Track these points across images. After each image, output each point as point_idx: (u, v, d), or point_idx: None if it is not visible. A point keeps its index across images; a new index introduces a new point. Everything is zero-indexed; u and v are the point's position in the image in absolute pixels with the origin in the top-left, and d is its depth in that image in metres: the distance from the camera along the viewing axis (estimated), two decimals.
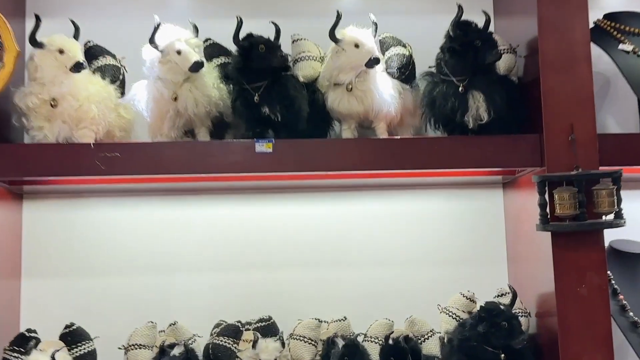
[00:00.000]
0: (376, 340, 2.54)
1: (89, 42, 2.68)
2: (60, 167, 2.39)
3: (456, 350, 2.42)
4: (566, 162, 2.42)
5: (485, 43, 2.47)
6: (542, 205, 2.41)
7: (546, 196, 2.40)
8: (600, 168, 2.41)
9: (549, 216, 2.40)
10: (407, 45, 2.73)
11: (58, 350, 2.34)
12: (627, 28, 2.75)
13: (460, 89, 2.50)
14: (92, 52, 2.66)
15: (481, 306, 2.40)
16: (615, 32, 2.75)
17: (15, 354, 2.37)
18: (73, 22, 2.54)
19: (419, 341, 2.56)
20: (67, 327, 2.47)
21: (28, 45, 2.43)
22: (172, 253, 2.84)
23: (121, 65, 2.69)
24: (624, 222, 2.41)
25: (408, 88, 2.69)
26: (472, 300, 2.61)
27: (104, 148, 2.38)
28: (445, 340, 2.56)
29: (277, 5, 2.79)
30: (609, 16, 2.79)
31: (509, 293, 2.59)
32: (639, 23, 2.77)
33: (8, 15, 2.41)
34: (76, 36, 2.51)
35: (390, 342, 2.45)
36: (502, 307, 2.39)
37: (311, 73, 2.60)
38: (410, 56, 2.71)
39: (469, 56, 2.47)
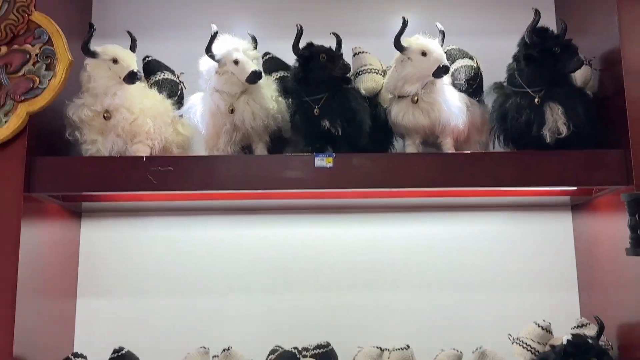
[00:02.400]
0: None
1: (148, 57, 2.25)
2: (112, 181, 1.94)
3: None
4: None
5: (564, 50, 1.95)
6: (634, 227, 1.82)
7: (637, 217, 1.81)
8: None
9: None
10: (474, 57, 2.21)
11: None
12: None
13: (536, 100, 1.97)
14: (150, 67, 2.24)
15: (568, 340, 1.80)
16: None
17: None
18: (130, 34, 2.10)
19: None
20: (115, 351, 2.00)
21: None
22: (227, 274, 2.32)
23: (179, 80, 2.26)
24: None
25: (475, 102, 2.19)
26: (549, 331, 2.02)
27: (157, 162, 1.93)
28: None
29: (335, 26, 2.17)
30: None
31: (589, 324, 2.01)
32: None
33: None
34: (132, 48, 2.08)
35: None
36: (590, 341, 1.78)
37: (373, 86, 2.12)
38: (478, 68, 2.21)
39: (547, 64, 1.96)
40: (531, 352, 1.96)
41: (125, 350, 1.98)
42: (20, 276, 1.79)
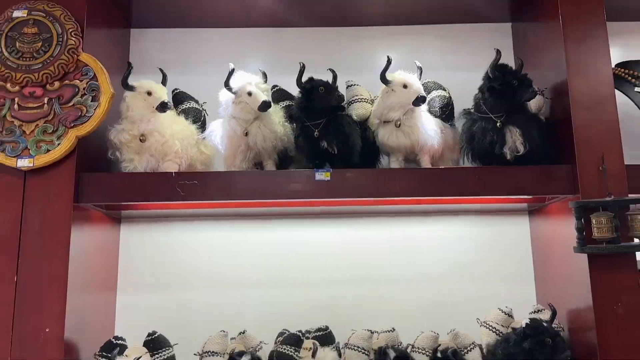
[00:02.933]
0: (423, 352, 1.94)
1: (176, 89, 2.23)
2: (146, 193, 1.91)
3: None
4: (598, 190, 1.86)
5: (521, 83, 1.95)
6: (580, 229, 1.84)
7: (582, 221, 1.84)
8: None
9: (585, 239, 1.83)
10: (446, 89, 2.20)
11: (140, 357, 1.87)
12: (639, 73, 2.16)
13: (498, 124, 1.97)
14: (179, 98, 2.22)
15: (526, 323, 1.81)
16: (629, 77, 2.16)
17: (104, 359, 1.88)
18: (161, 70, 2.10)
19: (462, 353, 1.94)
20: (149, 335, 1.97)
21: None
22: (241, 270, 2.28)
23: (203, 109, 2.24)
24: None
25: (448, 126, 2.17)
26: (510, 316, 2.02)
27: (183, 177, 1.91)
28: (485, 352, 1.96)
29: (332, 63, 2.12)
30: (621, 64, 2.20)
31: (544, 310, 2.00)
32: None
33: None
34: (164, 82, 2.07)
35: (439, 354, 1.86)
36: (545, 324, 1.77)
37: (363, 113, 2.10)
38: (450, 98, 2.19)
39: (507, 94, 1.96)
40: (495, 333, 1.96)
41: (158, 334, 1.96)
42: (70, 273, 1.79)
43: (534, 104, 2.04)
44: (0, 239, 1.78)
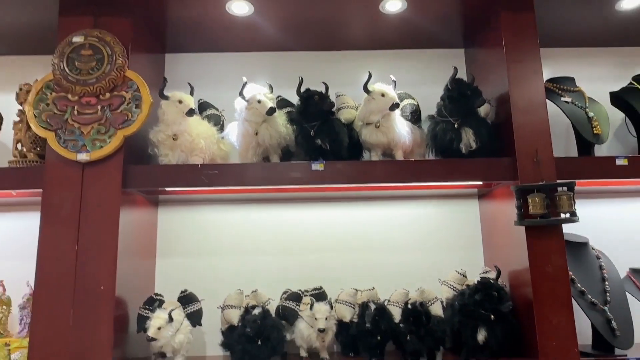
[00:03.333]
0: (397, 305, 1.97)
1: (201, 99, 2.26)
2: (178, 180, 1.93)
3: (457, 313, 1.88)
4: (533, 177, 1.91)
5: (474, 93, 1.99)
6: (519, 207, 1.89)
7: (520, 200, 1.89)
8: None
9: (523, 215, 1.88)
10: (415, 98, 2.24)
11: (174, 309, 1.91)
12: (565, 87, 2.23)
13: (455, 126, 2.00)
14: (203, 106, 2.24)
15: (477, 281, 1.86)
16: (557, 90, 2.22)
17: (146, 311, 1.91)
18: (190, 84, 2.10)
19: (427, 305, 1.96)
20: (182, 292, 2.00)
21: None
22: (253, 242, 2.29)
23: (222, 115, 2.25)
24: (578, 219, 1.85)
25: (416, 127, 2.20)
26: (464, 276, 2.07)
27: (207, 167, 1.93)
28: (445, 304, 2.00)
29: (324, 77, 2.10)
30: (550, 80, 2.25)
31: (490, 271, 2.05)
32: (571, 84, 2.24)
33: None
34: (191, 93, 2.07)
35: (409, 306, 1.90)
36: (492, 281, 1.82)
37: (350, 117, 2.11)
38: (418, 105, 2.22)
39: (462, 102, 1.98)
40: (453, 290, 2.01)
41: (188, 291, 1.99)
42: (120, 244, 1.81)
43: (483, 110, 2.07)
44: (65, 217, 1.81)
